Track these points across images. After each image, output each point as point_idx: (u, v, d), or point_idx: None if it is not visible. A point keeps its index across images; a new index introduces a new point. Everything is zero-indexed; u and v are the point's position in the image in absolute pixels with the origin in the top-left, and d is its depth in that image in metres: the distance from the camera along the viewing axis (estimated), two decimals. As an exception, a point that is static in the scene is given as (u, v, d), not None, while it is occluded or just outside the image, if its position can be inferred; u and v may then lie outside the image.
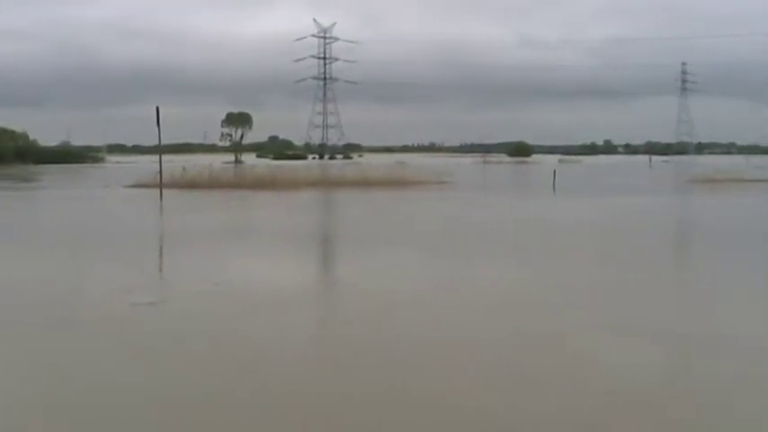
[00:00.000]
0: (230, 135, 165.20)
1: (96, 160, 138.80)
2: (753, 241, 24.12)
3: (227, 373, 9.48)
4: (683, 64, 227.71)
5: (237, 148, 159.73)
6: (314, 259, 20.98)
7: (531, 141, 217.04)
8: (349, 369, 9.73)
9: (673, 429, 7.71)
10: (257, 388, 8.94)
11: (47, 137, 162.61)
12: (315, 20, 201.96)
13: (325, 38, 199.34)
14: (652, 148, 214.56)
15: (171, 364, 9.93)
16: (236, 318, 12.50)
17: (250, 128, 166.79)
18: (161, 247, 23.41)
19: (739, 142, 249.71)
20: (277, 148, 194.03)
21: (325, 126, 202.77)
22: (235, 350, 10.56)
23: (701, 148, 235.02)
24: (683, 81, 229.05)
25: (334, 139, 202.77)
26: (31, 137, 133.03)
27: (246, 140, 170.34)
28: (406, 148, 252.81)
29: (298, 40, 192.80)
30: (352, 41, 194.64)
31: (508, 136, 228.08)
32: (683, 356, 10.51)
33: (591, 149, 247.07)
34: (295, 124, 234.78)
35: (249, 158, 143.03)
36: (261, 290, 15.13)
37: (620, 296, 14.69)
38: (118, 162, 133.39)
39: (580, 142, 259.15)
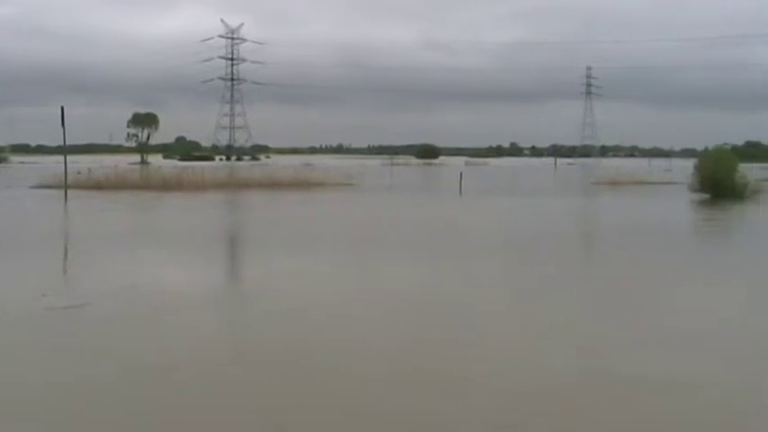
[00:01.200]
0: (136, 136, 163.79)
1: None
2: (648, 240, 25.25)
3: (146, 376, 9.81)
4: (588, 68, 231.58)
5: (144, 148, 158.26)
6: (222, 262, 21.17)
7: (438, 143, 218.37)
8: (255, 372, 10.11)
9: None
10: (170, 393, 9.32)
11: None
12: (222, 20, 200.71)
13: (232, 38, 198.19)
14: (557, 151, 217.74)
15: (94, 366, 10.19)
16: (157, 320, 12.77)
17: (156, 128, 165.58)
18: (69, 250, 23.28)
19: (642, 145, 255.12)
20: (184, 150, 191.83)
21: (233, 127, 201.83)
22: (150, 352, 10.87)
23: (604, 151, 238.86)
24: (588, 85, 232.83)
25: (241, 140, 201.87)
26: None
27: (153, 141, 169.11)
28: (313, 150, 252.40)
29: (205, 40, 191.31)
30: (259, 42, 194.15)
31: (415, 138, 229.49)
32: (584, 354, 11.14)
33: (497, 152, 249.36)
34: (202, 125, 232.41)
35: (156, 159, 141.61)
36: (177, 293, 15.35)
37: (525, 295, 15.32)
38: (22, 162, 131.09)
39: (486, 144, 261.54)
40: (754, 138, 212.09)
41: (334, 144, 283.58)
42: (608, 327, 12.63)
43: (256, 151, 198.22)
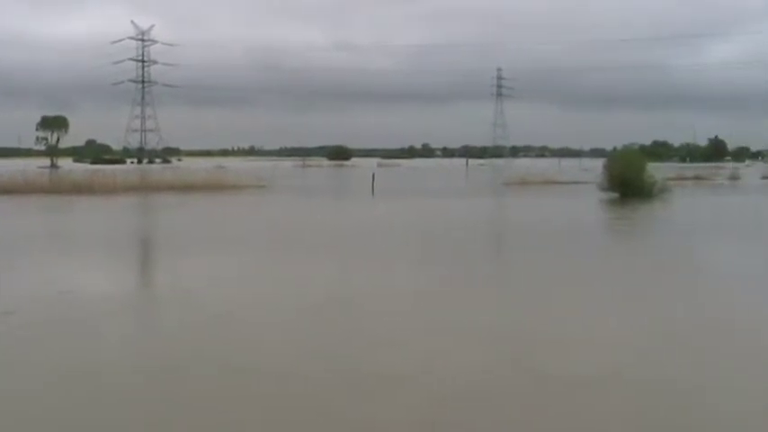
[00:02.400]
0: (46, 139, 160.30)
1: None
2: (554, 238, 25.79)
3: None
4: (498, 69, 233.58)
5: (54, 152, 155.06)
6: (137, 267, 20.98)
7: (350, 145, 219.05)
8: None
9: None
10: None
11: None
12: (133, 22, 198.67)
13: (143, 40, 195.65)
14: (469, 152, 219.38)
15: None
16: (71, 328, 12.66)
17: (66, 131, 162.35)
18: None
19: (552, 145, 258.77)
20: (95, 153, 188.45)
21: (144, 130, 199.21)
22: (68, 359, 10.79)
23: (515, 152, 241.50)
24: (498, 86, 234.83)
25: (152, 143, 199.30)
26: None
27: (63, 144, 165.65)
28: (225, 152, 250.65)
29: (115, 42, 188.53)
30: (170, 44, 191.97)
31: (327, 140, 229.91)
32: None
33: (409, 153, 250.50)
34: (113, 128, 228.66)
35: (66, 163, 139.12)
36: (93, 299, 15.14)
37: (432, 296, 15.48)
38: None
39: (399, 146, 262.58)
40: (661, 137, 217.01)
41: (246, 146, 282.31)
42: (509, 326, 12.85)
43: (168, 154, 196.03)
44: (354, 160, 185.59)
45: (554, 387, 9.38)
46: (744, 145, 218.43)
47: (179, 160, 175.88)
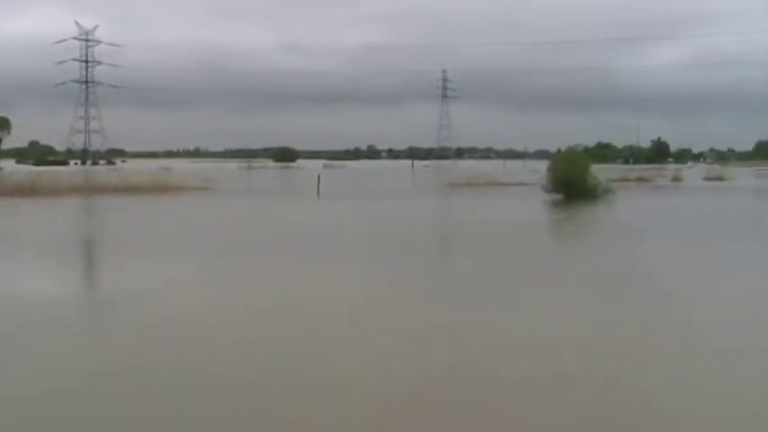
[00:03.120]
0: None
1: None
2: (498, 240, 26.14)
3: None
4: (443, 71, 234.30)
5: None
6: (82, 271, 20.91)
7: (295, 146, 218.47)
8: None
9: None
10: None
11: None
12: (76, 22, 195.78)
13: (86, 40, 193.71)
14: (414, 153, 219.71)
15: None
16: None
17: (9, 133, 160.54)
18: None
19: (497, 147, 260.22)
20: (38, 154, 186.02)
21: (88, 131, 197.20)
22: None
23: (460, 153, 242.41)
24: (444, 88, 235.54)
25: (96, 144, 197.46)
26: None
27: (5, 146, 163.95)
28: (170, 154, 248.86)
29: (58, 42, 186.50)
30: (114, 45, 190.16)
31: (273, 141, 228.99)
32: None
33: (355, 154, 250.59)
34: (56, 129, 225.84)
35: (8, 165, 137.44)
36: (38, 304, 15.07)
37: (379, 298, 15.61)
38: None
39: (344, 147, 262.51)
40: (605, 139, 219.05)
41: (192, 148, 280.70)
42: (453, 327, 12.98)
43: (112, 155, 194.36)
44: (300, 162, 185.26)
45: (494, 386, 9.55)
46: (686, 147, 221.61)
47: (124, 162, 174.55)
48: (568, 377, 9.91)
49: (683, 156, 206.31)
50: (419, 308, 14.49)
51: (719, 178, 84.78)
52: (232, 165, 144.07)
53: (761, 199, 55.15)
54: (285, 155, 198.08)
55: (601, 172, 53.26)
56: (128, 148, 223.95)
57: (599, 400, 9.12)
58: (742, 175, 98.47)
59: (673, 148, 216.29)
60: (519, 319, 13.38)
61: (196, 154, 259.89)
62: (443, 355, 11.07)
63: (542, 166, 56.25)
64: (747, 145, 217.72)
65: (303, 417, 8.50)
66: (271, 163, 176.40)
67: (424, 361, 10.67)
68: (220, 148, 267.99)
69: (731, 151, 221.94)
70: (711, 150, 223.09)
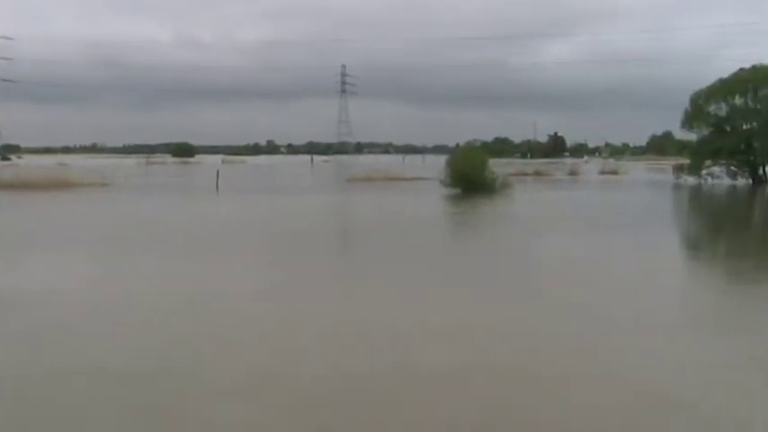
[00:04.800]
0: None
1: None
2: (397, 233, 26.52)
3: None
4: (343, 66, 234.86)
5: None
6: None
7: (194, 142, 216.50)
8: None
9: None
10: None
11: None
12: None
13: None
14: (313, 148, 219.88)
15: None
16: None
17: None
18: None
19: (396, 142, 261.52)
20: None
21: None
22: None
23: (360, 148, 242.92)
24: (343, 83, 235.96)
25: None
26: None
27: None
28: (67, 150, 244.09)
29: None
30: (7, 38, 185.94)
31: (171, 137, 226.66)
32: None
33: (254, 150, 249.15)
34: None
35: None
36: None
37: (280, 293, 15.75)
38: None
39: (243, 142, 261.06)
40: (502, 134, 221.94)
41: (89, 143, 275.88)
42: (352, 319, 13.22)
43: (7, 151, 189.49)
44: (199, 157, 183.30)
45: (405, 379, 9.78)
46: (582, 141, 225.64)
47: (19, 158, 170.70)
48: (472, 364, 10.18)
49: (580, 150, 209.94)
50: (314, 303, 14.60)
51: (614, 172, 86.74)
52: (130, 160, 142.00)
53: (651, 192, 56.50)
54: (183, 150, 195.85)
55: (499, 166, 54.08)
56: (23, 144, 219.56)
57: (508, 385, 9.40)
58: (636, 168, 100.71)
59: (569, 142, 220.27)
60: (414, 311, 13.59)
61: (94, 150, 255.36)
62: (348, 349, 11.24)
63: (441, 160, 56.74)
64: (641, 140, 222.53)
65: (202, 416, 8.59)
66: (169, 158, 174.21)
67: (330, 354, 10.87)
68: (119, 144, 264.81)
69: (626, 146, 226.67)
70: (607, 145, 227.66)
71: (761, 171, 64.61)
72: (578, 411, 8.52)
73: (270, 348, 11.15)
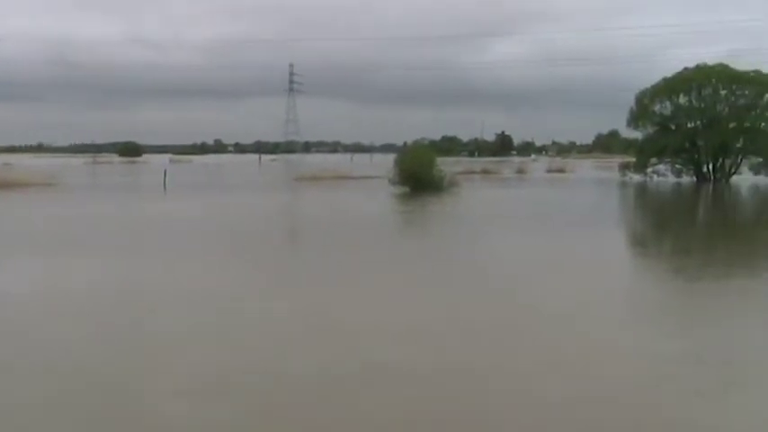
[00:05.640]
0: None
1: None
2: (344, 231, 26.63)
3: None
4: (291, 65, 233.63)
5: None
6: None
7: (141, 141, 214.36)
8: None
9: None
10: None
11: None
12: None
13: None
14: (261, 147, 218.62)
15: None
16: None
17: None
18: None
19: (344, 141, 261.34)
20: None
21: None
22: None
23: (308, 147, 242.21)
24: (291, 82, 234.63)
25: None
26: None
27: None
28: (12, 149, 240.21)
29: None
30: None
31: (119, 136, 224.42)
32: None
33: (202, 149, 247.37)
34: None
35: None
36: None
37: (226, 290, 15.72)
38: None
39: (191, 141, 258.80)
40: (450, 133, 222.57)
41: (35, 143, 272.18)
42: (295, 316, 13.27)
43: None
44: (146, 156, 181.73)
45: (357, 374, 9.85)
46: (529, 140, 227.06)
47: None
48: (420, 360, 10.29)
49: (527, 149, 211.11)
50: (266, 298, 14.68)
51: (561, 170, 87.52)
52: (77, 160, 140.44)
53: (597, 190, 57.05)
54: (131, 150, 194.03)
55: (447, 165, 54.29)
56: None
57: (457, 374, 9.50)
58: (582, 166, 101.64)
59: (516, 141, 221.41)
60: (359, 310, 13.68)
61: (40, 149, 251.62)
62: (296, 345, 11.31)
63: (389, 159, 56.85)
64: (588, 138, 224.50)
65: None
66: (116, 158, 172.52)
67: (272, 349, 10.92)
68: (65, 144, 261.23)
69: (572, 144, 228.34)
70: (554, 143, 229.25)
71: (705, 169, 65.63)
72: (515, 402, 8.65)
73: (213, 350, 11.13)
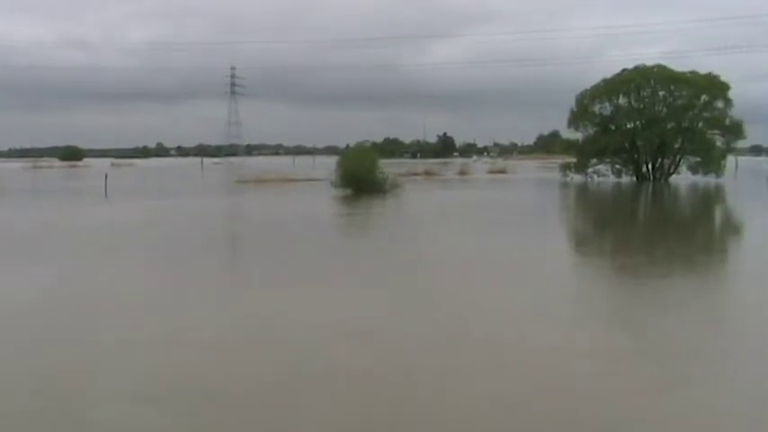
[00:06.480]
0: None
1: None
2: (285, 235, 26.58)
3: None
4: (232, 68, 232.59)
5: None
6: None
7: (82, 145, 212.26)
8: None
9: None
10: None
11: None
12: None
13: None
14: (204, 151, 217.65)
15: None
16: None
17: None
18: None
19: (286, 143, 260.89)
20: None
21: None
22: None
23: (250, 150, 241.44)
24: (233, 85, 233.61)
25: None
26: None
27: None
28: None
29: None
30: None
31: (59, 140, 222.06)
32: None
33: (143, 152, 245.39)
34: None
35: None
36: None
37: (167, 294, 15.75)
38: None
39: (133, 145, 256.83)
40: (393, 134, 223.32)
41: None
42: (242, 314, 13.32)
43: None
44: (87, 161, 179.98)
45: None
46: (471, 141, 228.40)
47: None
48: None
49: (469, 150, 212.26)
50: (208, 298, 14.72)
51: (503, 171, 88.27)
52: (16, 164, 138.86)
53: (538, 190, 57.69)
54: (71, 154, 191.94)
55: (389, 167, 54.44)
56: None
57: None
58: (524, 167, 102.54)
59: (458, 142, 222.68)
60: (305, 308, 13.75)
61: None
62: (245, 344, 11.38)
63: (332, 161, 56.90)
64: (529, 139, 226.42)
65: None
66: (57, 162, 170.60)
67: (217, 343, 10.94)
68: (4, 148, 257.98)
69: (514, 145, 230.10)
70: (495, 144, 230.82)
71: (644, 169, 66.56)
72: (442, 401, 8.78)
73: (149, 353, 11.16)
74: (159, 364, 10.49)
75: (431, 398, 9.01)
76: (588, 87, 68.49)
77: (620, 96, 66.92)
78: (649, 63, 68.19)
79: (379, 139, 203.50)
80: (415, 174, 76.22)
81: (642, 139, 65.39)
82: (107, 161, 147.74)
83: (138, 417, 8.47)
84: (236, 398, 8.96)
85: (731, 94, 65.07)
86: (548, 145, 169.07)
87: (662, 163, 66.69)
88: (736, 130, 65.95)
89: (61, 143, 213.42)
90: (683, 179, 64.65)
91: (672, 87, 65.87)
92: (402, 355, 10.81)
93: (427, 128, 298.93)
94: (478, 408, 8.64)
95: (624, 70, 67.46)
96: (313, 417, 8.40)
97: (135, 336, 11.93)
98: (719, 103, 65.49)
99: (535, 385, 9.37)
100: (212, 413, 8.51)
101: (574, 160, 68.58)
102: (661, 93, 66.49)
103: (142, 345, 11.41)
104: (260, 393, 9.23)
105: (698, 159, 66.02)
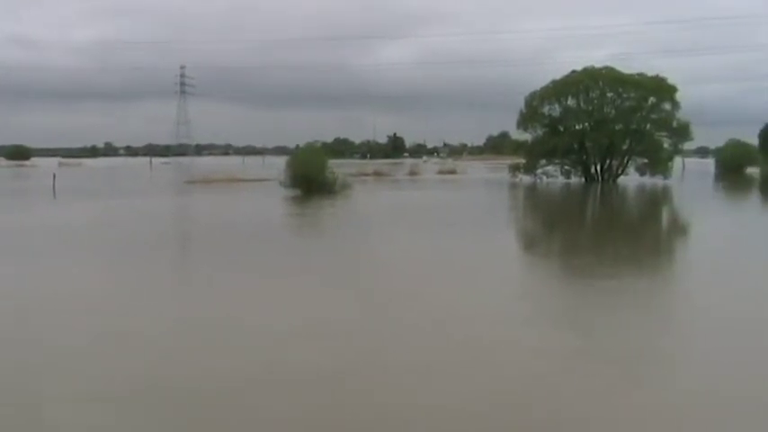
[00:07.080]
0: None
1: None
2: (236, 235, 26.45)
3: None
4: (182, 67, 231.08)
5: None
6: None
7: (29, 144, 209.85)
8: None
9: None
10: None
11: None
12: None
13: None
14: (152, 150, 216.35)
15: None
16: None
17: None
18: None
19: (236, 143, 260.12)
20: None
21: None
22: None
23: (200, 150, 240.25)
24: (182, 84, 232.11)
25: None
26: None
27: None
28: None
29: None
30: None
31: (6, 139, 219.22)
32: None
33: (92, 152, 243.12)
34: None
35: None
36: None
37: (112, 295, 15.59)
38: None
39: (81, 145, 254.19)
40: (343, 135, 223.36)
41: None
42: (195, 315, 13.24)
43: None
44: (35, 160, 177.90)
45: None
46: (421, 142, 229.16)
47: None
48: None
49: (419, 150, 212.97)
50: (156, 307, 14.60)
51: (452, 171, 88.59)
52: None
53: (487, 190, 58.03)
54: (18, 153, 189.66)
55: (339, 167, 54.38)
56: None
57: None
58: (474, 168, 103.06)
59: (408, 143, 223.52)
60: (259, 308, 13.70)
61: None
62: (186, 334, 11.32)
63: (281, 162, 56.74)
64: (479, 140, 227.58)
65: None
66: (3, 161, 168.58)
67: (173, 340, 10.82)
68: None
69: (464, 146, 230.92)
70: (445, 145, 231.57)
71: (593, 170, 67.07)
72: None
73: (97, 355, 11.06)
74: (104, 368, 10.39)
75: (382, 396, 9.05)
76: (537, 89, 68.92)
77: (569, 98, 67.40)
78: (598, 65, 68.77)
79: (329, 139, 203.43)
80: (366, 174, 76.24)
81: (591, 140, 65.91)
82: (55, 160, 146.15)
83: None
84: (191, 403, 8.93)
85: (678, 96, 65.86)
86: (497, 146, 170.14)
87: (610, 164, 67.23)
88: (683, 132, 66.67)
89: (8, 142, 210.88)
90: (631, 180, 65.29)
91: (620, 89, 66.43)
92: (353, 353, 10.84)
93: (377, 128, 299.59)
94: (428, 407, 8.67)
95: (573, 72, 67.94)
96: (269, 417, 8.43)
97: (78, 339, 11.84)
98: (667, 105, 66.21)
99: (484, 385, 9.43)
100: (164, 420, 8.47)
101: (523, 161, 68.98)
102: (609, 94, 67.02)
103: (87, 350, 11.32)
104: (213, 398, 9.20)
105: (645, 161, 66.74)
